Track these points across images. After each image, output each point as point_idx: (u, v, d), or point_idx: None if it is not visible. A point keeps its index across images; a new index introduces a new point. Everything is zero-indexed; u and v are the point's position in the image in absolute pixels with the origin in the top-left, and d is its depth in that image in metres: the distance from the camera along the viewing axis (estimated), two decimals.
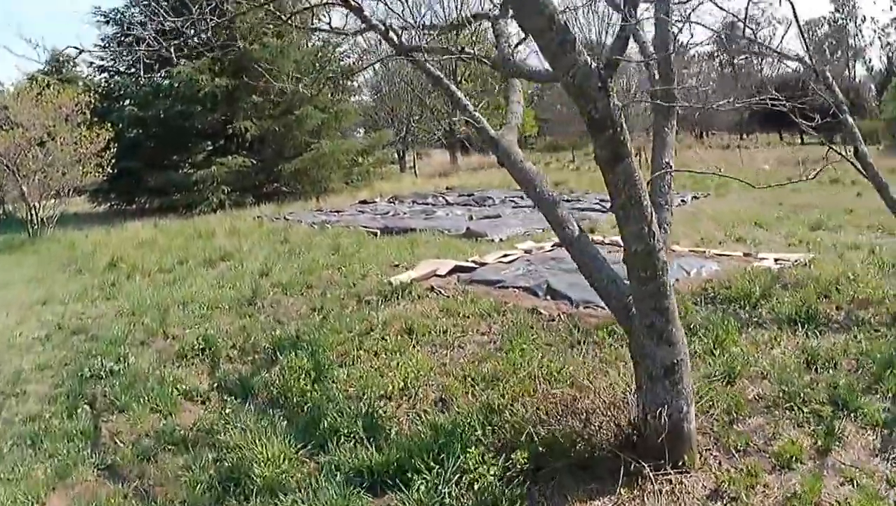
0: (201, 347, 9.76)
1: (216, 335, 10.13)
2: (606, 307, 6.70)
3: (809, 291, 10.01)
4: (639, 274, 5.83)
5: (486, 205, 25.15)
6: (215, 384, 8.71)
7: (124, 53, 33.85)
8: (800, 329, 8.97)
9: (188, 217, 26.25)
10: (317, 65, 32.65)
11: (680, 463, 6.14)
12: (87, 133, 24.28)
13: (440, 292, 11.64)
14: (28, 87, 24.98)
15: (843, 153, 8.09)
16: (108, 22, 34.20)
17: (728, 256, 13.61)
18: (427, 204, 26.14)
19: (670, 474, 6.04)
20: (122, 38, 33.76)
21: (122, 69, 34.93)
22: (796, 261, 12.33)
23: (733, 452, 6.47)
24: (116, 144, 26.15)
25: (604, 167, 5.55)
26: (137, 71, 33.85)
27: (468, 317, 10.28)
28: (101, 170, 25.00)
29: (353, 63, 36.43)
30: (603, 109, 5.24)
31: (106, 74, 35.43)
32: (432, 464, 6.09)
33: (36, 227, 23.18)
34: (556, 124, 71.32)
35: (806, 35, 7.56)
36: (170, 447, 7.20)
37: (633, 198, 5.57)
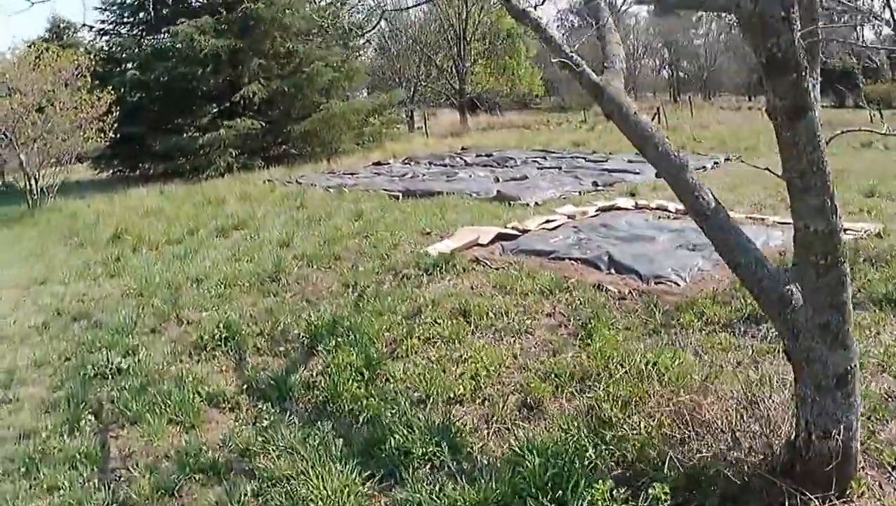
0: (223, 335, 8.25)
1: (239, 320, 8.64)
2: (754, 291, 5.21)
3: (887, 269, 8.95)
4: (815, 260, 4.43)
5: (509, 166, 23.61)
6: (244, 385, 7.19)
7: (126, 14, 32.29)
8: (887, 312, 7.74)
9: (195, 182, 24.60)
10: (326, 21, 31.03)
11: (846, 491, 4.78)
12: (88, 97, 22.77)
13: (487, 265, 10.23)
14: (26, 53, 23.37)
15: None
16: None
17: (789, 224, 12.10)
18: (445, 165, 24.59)
19: (836, 504, 4.65)
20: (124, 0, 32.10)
21: (123, 31, 33.21)
22: (866, 231, 11.01)
23: (889, 470, 5.10)
24: (119, 109, 24.74)
25: (781, 122, 4.15)
26: (139, 33, 32.38)
27: (527, 295, 8.87)
28: (102, 135, 23.59)
29: (363, 20, 34.86)
30: (787, 46, 3.84)
31: (107, 38, 33.71)
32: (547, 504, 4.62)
33: (36, 197, 21.60)
34: (563, 84, 69.93)
35: None
36: (196, 476, 5.62)
37: (816, 163, 4.21)
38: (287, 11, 28.84)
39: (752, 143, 25.64)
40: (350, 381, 6.74)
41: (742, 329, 7.54)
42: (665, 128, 35.77)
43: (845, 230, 11.61)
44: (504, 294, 8.95)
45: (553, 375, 6.63)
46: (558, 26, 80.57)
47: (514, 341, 7.61)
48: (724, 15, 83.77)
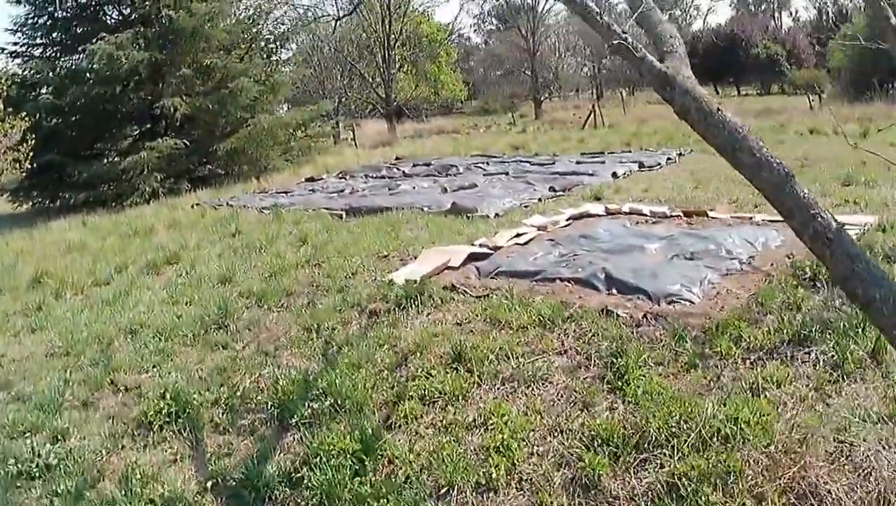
0: (171, 408, 6.71)
1: (187, 386, 7.11)
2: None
3: None
4: None
5: (452, 174, 22.17)
6: (208, 482, 5.67)
7: (39, 35, 30.15)
8: None
9: (119, 211, 22.63)
10: (250, 33, 29.32)
11: None
12: (0, 126, 20.88)
13: (467, 292, 8.86)
14: None
15: None
16: (18, 2, 30.17)
17: (783, 221, 10.92)
18: (384, 178, 23.04)
19: None
20: (36, 20, 29.91)
21: (36, 53, 30.97)
22: (866, 225, 9.95)
23: None
24: (34, 136, 23.48)
25: None
26: (54, 54, 30.27)
27: (526, 329, 7.53)
28: (18, 165, 21.88)
29: (287, 31, 33.15)
30: None
31: (19, 61, 31.41)
32: None
33: None
34: (486, 87, 69.12)
35: None
36: None
37: None
38: (209, 23, 27.06)
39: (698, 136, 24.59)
40: (347, 472, 5.25)
41: (789, 354, 6.46)
42: (604, 126, 34.80)
43: (844, 225, 10.57)
44: (498, 329, 7.60)
45: (601, 440, 5.31)
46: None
47: (532, 393, 6.26)
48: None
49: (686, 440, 5.03)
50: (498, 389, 6.34)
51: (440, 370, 6.68)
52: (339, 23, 36.86)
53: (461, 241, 11.44)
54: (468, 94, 68.44)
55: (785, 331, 6.78)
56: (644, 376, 6.17)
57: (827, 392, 5.81)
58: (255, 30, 30.52)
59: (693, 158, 20.54)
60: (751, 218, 11.45)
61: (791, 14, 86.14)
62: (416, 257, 10.56)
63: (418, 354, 7.10)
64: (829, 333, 6.65)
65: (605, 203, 13.89)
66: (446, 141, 34.87)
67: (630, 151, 23.55)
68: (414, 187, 19.58)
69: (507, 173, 20.60)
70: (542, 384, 6.34)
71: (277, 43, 31.14)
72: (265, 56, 31.55)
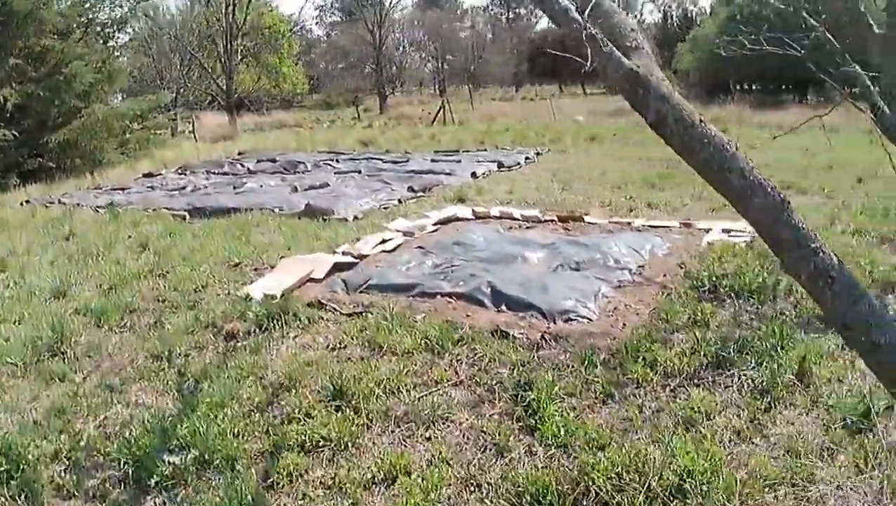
0: (1, 466, 5.46)
1: (20, 433, 5.84)
2: None
3: None
4: None
5: (300, 171, 21.10)
6: None
7: None
8: None
9: None
10: (86, 15, 27.35)
11: None
12: None
13: (336, 310, 7.99)
14: None
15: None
16: None
17: (664, 227, 10.61)
18: (227, 174, 21.69)
19: None
20: None
21: None
22: (754, 232, 9.57)
23: None
24: None
25: None
26: None
27: (411, 354, 6.72)
28: None
29: (125, 14, 31.15)
30: None
31: None
32: None
33: None
34: (328, 80, 67.99)
35: None
36: None
37: None
38: (44, 6, 24.96)
39: (554, 135, 24.36)
40: None
41: (711, 379, 5.98)
42: (453, 122, 34.25)
43: (729, 232, 10.20)
44: (380, 355, 6.75)
45: (530, 498, 4.49)
46: None
47: (433, 436, 5.42)
48: (490, 9, 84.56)
49: (626, 493, 4.29)
50: (392, 432, 5.46)
51: (320, 410, 5.75)
52: (172, 7, 35.14)
53: (320, 247, 10.54)
54: (310, 87, 67.04)
55: (701, 353, 6.28)
56: (558, 412, 5.44)
57: (762, 422, 5.30)
58: (91, 13, 28.48)
59: (551, 158, 20.18)
60: (629, 223, 11.00)
61: (636, 17, 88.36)
62: (272, 267, 9.61)
63: (291, 389, 6.15)
64: (748, 355, 6.19)
65: (472, 205, 13.26)
66: (290, 135, 33.58)
67: (486, 150, 23.03)
68: (261, 186, 18.44)
69: (359, 171, 19.74)
70: (444, 425, 5.52)
71: (115, 27, 29.13)
72: (102, 41, 29.53)
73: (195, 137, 33.92)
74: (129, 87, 32.55)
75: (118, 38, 32.04)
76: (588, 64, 3.08)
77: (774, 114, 28.10)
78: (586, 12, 3.20)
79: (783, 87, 45.11)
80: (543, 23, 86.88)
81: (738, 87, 43.26)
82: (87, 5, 28.86)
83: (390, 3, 59.37)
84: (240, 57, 46.88)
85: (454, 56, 76.66)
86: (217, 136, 34.38)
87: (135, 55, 34.65)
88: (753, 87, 46.42)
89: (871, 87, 5.58)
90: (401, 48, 71.73)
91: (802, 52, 5.53)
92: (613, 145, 22.51)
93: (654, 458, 4.61)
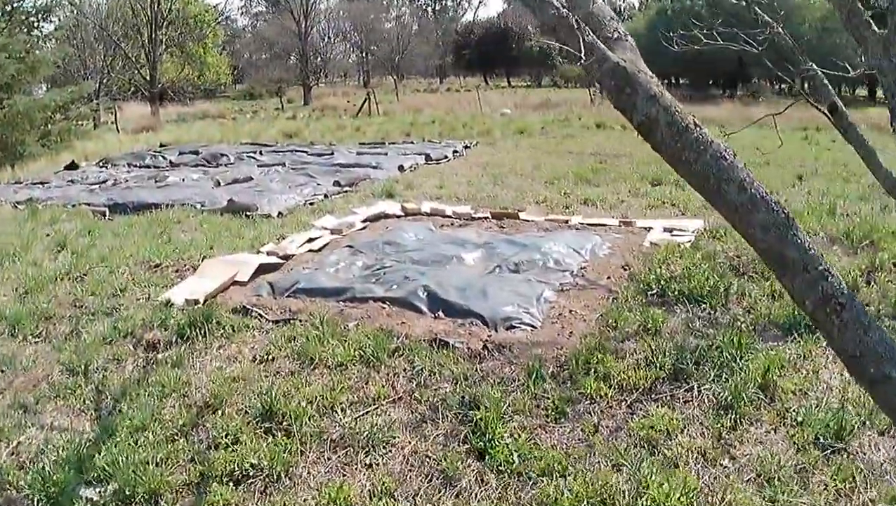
0: None
1: None
2: None
3: (776, 282, 6.92)
4: None
5: (223, 164, 20.34)
6: None
7: None
8: (816, 338, 6.20)
9: None
10: (10, 4, 26.13)
11: None
12: None
13: (262, 316, 7.39)
14: None
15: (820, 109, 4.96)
16: None
17: (603, 225, 10.21)
18: (149, 167, 20.82)
19: None
20: None
21: None
22: (696, 231, 9.49)
23: None
24: None
25: None
26: None
27: (345, 367, 6.15)
28: None
29: (50, 2, 29.83)
30: None
31: None
32: None
33: None
34: (252, 70, 66.91)
35: None
36: None
37: None
38: None
39: (482, 127, 23.92)
40: None
41: (669, 393, 5.52)
42: (378, 114, 33.62)
43: (672, 231, 9.83)
44: (311, 369, 6.18)
45: None
46: None
47: (374, 463, 4.87)
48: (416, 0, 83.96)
49: None
50: (328, 459, 4.91)
51: (249, 434, 5.17)
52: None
53: (244, 246, 9.95)
54: (233, 77, 65.81)
55: (657, 364, 5.84)
56: (509, 433, 4.94)
57: (728, 441, 4.89)
58: (15, 2, 27.23)
59: (480, 151, 19.73)
60: (567, 221, 10.57)
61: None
62: (194, 268, 8.96)
63: (217, 410, 5.56)
64: (707, 366, 5.75)
65: (401, 201, 12.71)
66: (213, 127, 32.61)
67: (413, 142, 22.51)
68: (183, 179, 17.67)
69: (283, 164, 19.09)
70: (385, 449, 4.98)
71: (40, 16, 27.89)
72: (25, 30, 28.23)
73: (118, 128, 32.75)
74: (52, 77, 31.15)
75: (42, 27, 30.77)
76: (580, 58, 2.55)
77: (705, 109, 27.99)
78: None
79: (711, 81, 45.44)
80: (470, 14, 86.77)
81: (667, 82, 43.40)
82: None
83: None
84: (164, 47, 45.69)
85: (378, 47, 75.93)
86: (140, 127, 33.24)
87: (59, 45, 33.22)
88: (681, 82, 46.62)
89: (829, 86, 5.19)
90: (326, 39, 70.73)
91: (760, 49, 5.13)
92: (542, 138, 22.16)
93: (623, 489, 4.14)
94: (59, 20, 35.06)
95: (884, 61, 3.56)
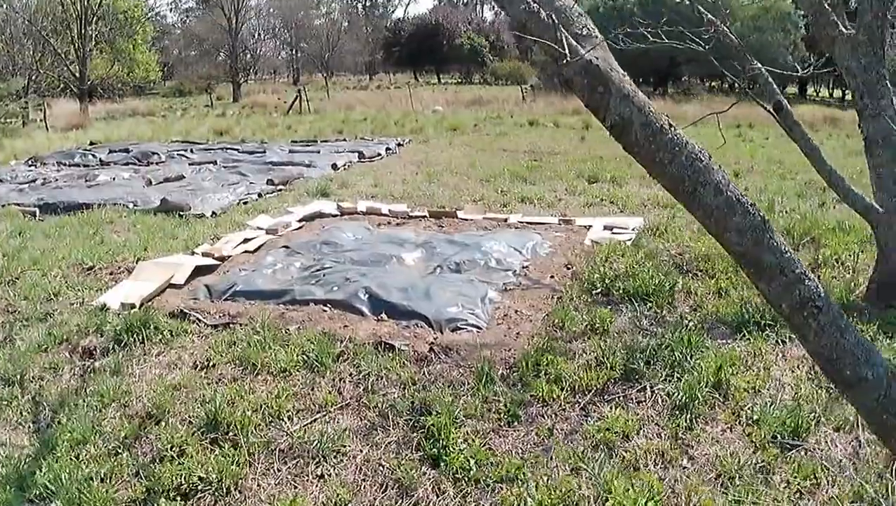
0: None
1: None
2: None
3: (722, 279, 7.49)
4: None
5: (154, 162, 19.84)
6: None
7: None
8: (765, 335, 6.28)
9: None
10: None
11: None
12: None
13: (201, 321, 7.13)
14: None
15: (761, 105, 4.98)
16: None
17: (543, 224, 10.14)
18: (79, 165, 20.23)
19: None
20: None
21: None
22: (637, 229, 9.41)
23: None
24: None
25: None
26: None
27: (289, 373, 5.95)
28: None
29: None
30: None
31: None
32: None
33: None
34: (182, 67, 65.86)
35: None
36: None
37: None
38: None
39: (417, 125, 23.72)
40: None
41: (622, 394, 5.43)
42: (309, 111, 33.22)
43: (612, 229, 9.78)
44: (254, 375, 5.96)
45: None
46: None
47: (326, 473, 4.68)
48: None
49: None
50: (278, 470, 4.70)
51: (195, 445, 4.94)
52: None
53: (178, 247, 9.69)
54: (163, 74, 64.66)
55: (608, 365, 5.75)
56: (463, 439, 4.80)
57: (686, 441, 4.81)
58: None
59: (414, 149, 19.56)
60: (506, 220, 10.46)
61: (493, 8, 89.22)
62: (129, 271, 8.66)
63: (160, 420, 5.31)
64: (658, 366, 5.67)
65: (336, 200, 12.48)
66: (143, 124, 31.89)
67: (345, 140, 22.25)
68: (114, 178, 17.16)
69: (215, 162, 18.71)
70: (336, 459, 4.79)
71: None
72: None
73: (47, 126, 31.83)
74: None
75: None
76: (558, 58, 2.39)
77: None
78: None
79: (641, 79, 45.80)
80: (400, 11, 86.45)
81: None
82: None
83: None
84: (94, 42, 44.64)
85: (308, 44, 75.22)
86: (69, 124, 32.31)
87: None
88: None
89: (774, 85, 5.12)
90: (256, 35, 69.86)
91: (706, 47, 5.06)
92: (475, 136, 22.05)
93: (586, 495, 4.01)
94: None
95: (852, 62, 3.49)
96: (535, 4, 2.54)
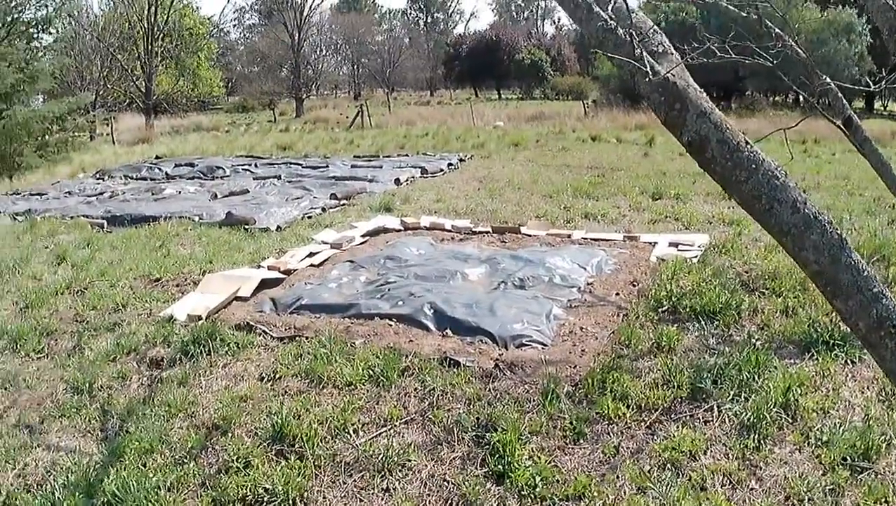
0: None
1: None
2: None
3: (789, 298, 7.37)
4: None
5: (219, 176, 20.18)
6: None
7: None
8: (834, 355, 6.17)
9: None
10: (10, 13, 25.85)
11: None
12: None
13: (267, 333, 7.23)
14: None
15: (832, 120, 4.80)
16: None
17: (607, 240, 10.09)
18: (146, 179, 20.69)
19: None
20: None
21: None
22: (703, 246, 9.36)
23: None
24: None
25: None
26: None
27: (354, 387, 5.99)
28: None
29: (50, 14, 29.48)
30: None
31: None
32: None
33: None
34: (245, 83, 66.75)
35: None
36: None
37: None
38: None
39: (478, 140, 23.79)
40: None
41: (689, 413, 5.38)
42: (371, 126, 33.48)
43: (678, 246, 9.69)
44: (319, 389, 6.02)
45: None
46: None
47: (391, 488, 4.72)
48: (409, 12, 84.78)
49: None
50: (343, 483, 4.75)
51: (261, 456, 5.01)
52: (96, 6, 33.56)
53: (244, 260, 9.82)
54: (226, 90, 65.64)
55: (675, 383, 5.70)
56: (529, 456, 4.80)
57: (753, 462, 4.75)
58: (16, 12, 26.95)
59: (476, 164, 19.58)
60: (569, 236, 10.42)
61: (554, 23, 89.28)
62: (195, 283, 8.81)
63: (226, 431, 5.39)
64: (726, 385, 5.61)
65: (399, 215, 12.56)
66: (207, 139, 32.39)
67: (407, 155, 22.36)
68: (180, 192, 17.49)
69: (279, 177, 18.93)
70: (401, 472, 4.82)
71: (39, 27, 27.66)
72: (25, 41, 27.95)
73: (114, 140, 32.51)
74: (49, 88, 30.87)
75: (42, 38, 30.50)
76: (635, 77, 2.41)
77: None
78: (608, 9, 2.54)
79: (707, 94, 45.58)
80: (461, 27, 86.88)
81: None
82: (14, 4, 27.33)
83: (311, 5, 58.15)
84: (160, 58, 45.49)
85: (370, 60, 75.91)
86: (135, 139, 33.02)
87: (57, 56, 32.88)
88: None
89: (843, 100, 5.04)
90: (318, 51, 70.60)
91: (774, 62, 5.01)
92: (537, 151, 22.04)
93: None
94: (58, 31, 34.63)
95: None
96: (613, 21, 2.56)
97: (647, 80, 2.57)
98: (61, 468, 5.04)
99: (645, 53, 2.59)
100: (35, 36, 29.21)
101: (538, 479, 4.55)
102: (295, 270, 9.35)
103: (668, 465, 4.71)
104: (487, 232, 11.13)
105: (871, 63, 37.21)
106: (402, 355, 6.44)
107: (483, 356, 6.45)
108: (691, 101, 2.58)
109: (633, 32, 2.72)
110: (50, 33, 31.60)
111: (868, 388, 5.66)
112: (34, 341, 7.27)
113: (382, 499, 4.56)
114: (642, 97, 2.74)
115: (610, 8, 2.69)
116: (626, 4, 2.75)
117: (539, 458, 4.81)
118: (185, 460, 5.03)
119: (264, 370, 6.40)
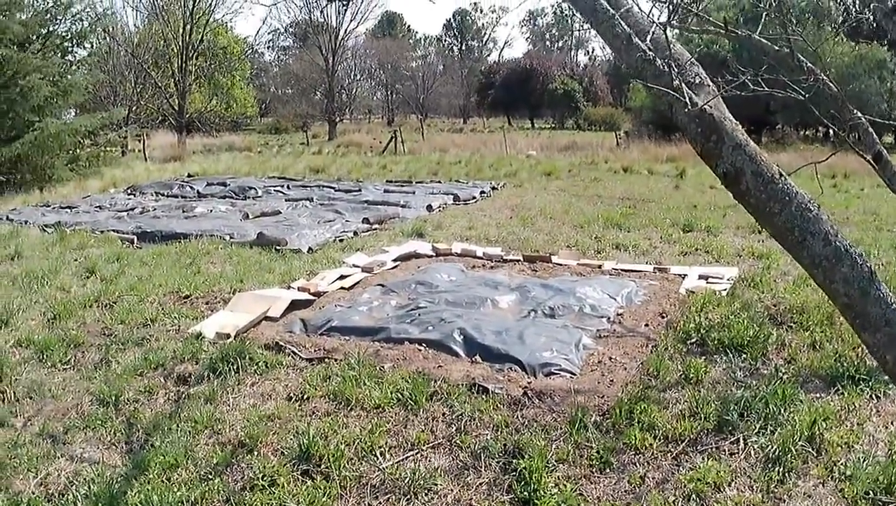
0: None
1: None
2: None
3: (816, 332, 7.39)
4: None
5: (251, 197, 20.36)
6: None
7: None
8: (860, 390, 6.21)
9: None
10: (46, 27, 26.30)
11: None
12: None
13: (296, 354, 7.32)
14: None
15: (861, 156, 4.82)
16: None
17: (638, 271, 10.14)
18: (176, 196, 20.94)
19: None
20: None
21: None
22: (732, 279, 9.39)
23: None
24: None
25: None
26: None
27: (382, 410, 6.06)
28: None
29: (85, 28, 29.94)
30: None
31: None
32: None
33: None
34: (279, 105, 67.34)
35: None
36: None
37: None
38: (5, 14, 23.76)
39: (511, 169, 23.92)
40: None
41: (715, 445, 5.40)
42: (404, 152, 33.71)
43: (707, 278, 9.73)
44: (347, 410, 6.09)
45: None
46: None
47: None
48: (444, 39, 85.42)
49: None
50: (369, 504, 4.81)
51: (286, 475, 5.09)
52: (131, 22, 34.03)
53: (273, 281, 9.92)
54: (259, 111, 66.24)
55: (701, 415, 5.74)
56: (555, 483, 4.86)
57: (777, 495, 4.78)
58: (51, 25, 27.45)
59: (508, 193, 19.68)
60: (600, 266, 10.48)
61: (587, 53, 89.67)
62: (224, 301, 8.94)
63: (252, 449, 5.46)
64: (752, 418, 5.65)
65: (430, 241, 12.64)
66: (240, 159, 32.75)
67: (440, 182, 22.47)
68: (211, 210, 17.68)
69: (311, 199, 19.09)
70: (427, 496, 4.88)
71: (74, 41, 28.11)
72: (60, 55, 28.42)
73: (145, 156, 32.90)
74: (82, 102, 31.35)
75: (76, 52, 30.99)
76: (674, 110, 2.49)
77: None
78: (647, 40, 2.62)
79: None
80: (494, 55, 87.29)
81: None
82: (49, 17, 27.80)
83: (346, 29, 58.69)
84: (193, 77, 45.99)
85: (404, 85, 76.40)
86: (167, 156, 33.40)
87: (91, 70, 33.38)
88: None
89: (874, 135, 5.08)
90: (352, 75, 71.19)
91: (805, 96, 5.08)
92: (569, 181, 22.12)
93: None
94: (93, 46, 35.15)
95: None
96: (651, 53, 2.64)
97: (686, 110, 2.64)
98: (84, 479, 5.13)
99: (683, 84, 2.66)
100: (70, 49, 29.67)
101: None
102: (325, 293, 9.45)
103: (693, 496, 4.75)
104: (518, 260, 11.20)
105: None
106: (431, 380, 6.50)
107: (512, 383, 6.50)
108: (727, 133, 2.66)
109: (672, 63, 2.80)
110: (84, 48, 32.16)
111: (892, 422, 5.69)
112: (61, 352, 7.41)
113: None
114: (679, 128, 2.82)
115: (648, 39, 2.76)
116: (666, 36, 2.83)
117: (565, 486, 4.86)
118: (210, 477, 5.11)
119: (292, 390, 6.48)
